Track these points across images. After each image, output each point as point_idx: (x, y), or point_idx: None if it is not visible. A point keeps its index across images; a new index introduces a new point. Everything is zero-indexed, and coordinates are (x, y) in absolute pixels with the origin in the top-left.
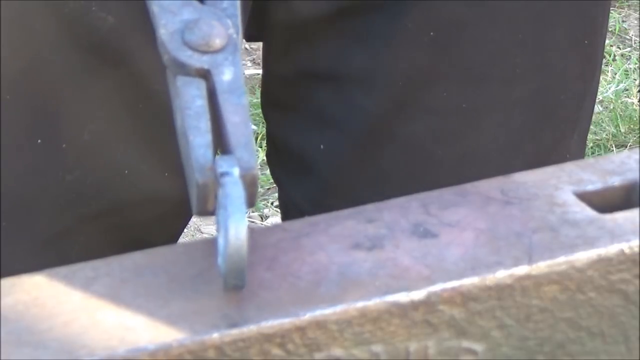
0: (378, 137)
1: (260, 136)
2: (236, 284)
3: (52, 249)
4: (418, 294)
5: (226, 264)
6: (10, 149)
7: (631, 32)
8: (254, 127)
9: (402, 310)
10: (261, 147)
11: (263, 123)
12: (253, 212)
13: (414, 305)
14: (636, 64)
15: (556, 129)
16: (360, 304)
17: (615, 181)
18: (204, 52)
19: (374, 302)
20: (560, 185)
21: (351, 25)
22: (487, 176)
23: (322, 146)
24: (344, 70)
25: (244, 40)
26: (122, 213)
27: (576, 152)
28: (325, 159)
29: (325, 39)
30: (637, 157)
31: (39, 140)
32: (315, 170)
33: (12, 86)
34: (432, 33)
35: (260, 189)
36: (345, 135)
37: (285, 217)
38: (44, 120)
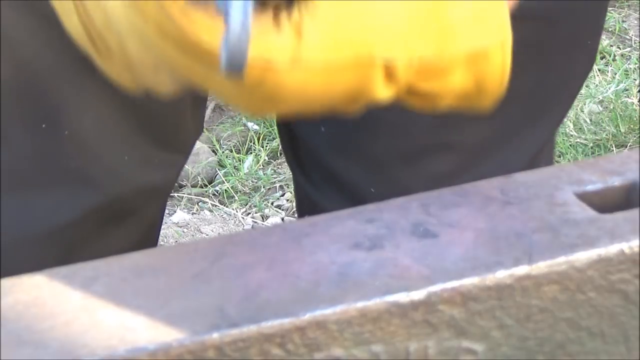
0: (373, 124)
1: (261, 136)
2: (234, 68)
3: (58, 240)
4: (418, 294)
5: (227, 43)
6: (16, 130)
7: (631, 32)
8: (255, 127)
9: (402, 310)
10: (263, 147)
11: (264, 123)
12: (256, 212)
13: (414, 305)
14: (636, 64)
15: (551, 123)
16: (360, 304)
17: (615, 181)
18: None
19: (374, 302)
20: (560, 185)
21: None
22: (480, 166)
23: (322, 128)
24: None
25: None
26: (123, 203)
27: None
28: (326, 143)
29: None
30: (637, 157)
31: (44, 125)
32: (317, 157)
33: (13, 72)
34: None
35: (261, 189)
36: (343, 122)
37: (299, 206)
38: (46, 106)
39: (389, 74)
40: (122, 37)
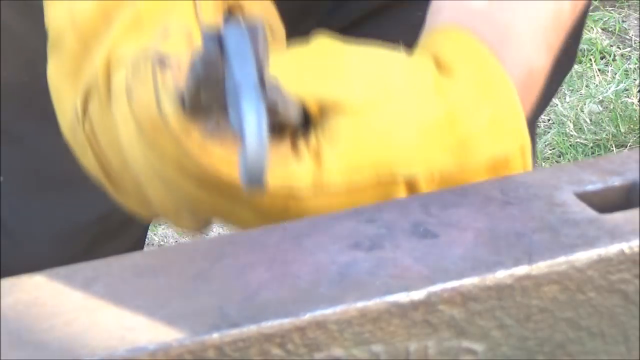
0: None
1: None
2: (254, 182)
3: (77, 240)
4: (418, 294)
5: (244, 158)
6: (29, 130)
7: (631, 32)
8: None
9: (402, 310)
10: None
11: None
12: None
13: (414, 305)
14: (636, 64)
15: (533, 116)
16: (360, 304)
17: (615, 181)
18: None
19: (374, 302)
20: (560, 185)
21: (362, 31)
22: None
23: None
24: None
25: None
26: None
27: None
28: None
29: None
30: (637, 157)
31: (55, 125)
32: None
33: (20, 72)
34: None
35: None
36: None
37: None
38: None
39: (411, 189)
40: (139, 178)
